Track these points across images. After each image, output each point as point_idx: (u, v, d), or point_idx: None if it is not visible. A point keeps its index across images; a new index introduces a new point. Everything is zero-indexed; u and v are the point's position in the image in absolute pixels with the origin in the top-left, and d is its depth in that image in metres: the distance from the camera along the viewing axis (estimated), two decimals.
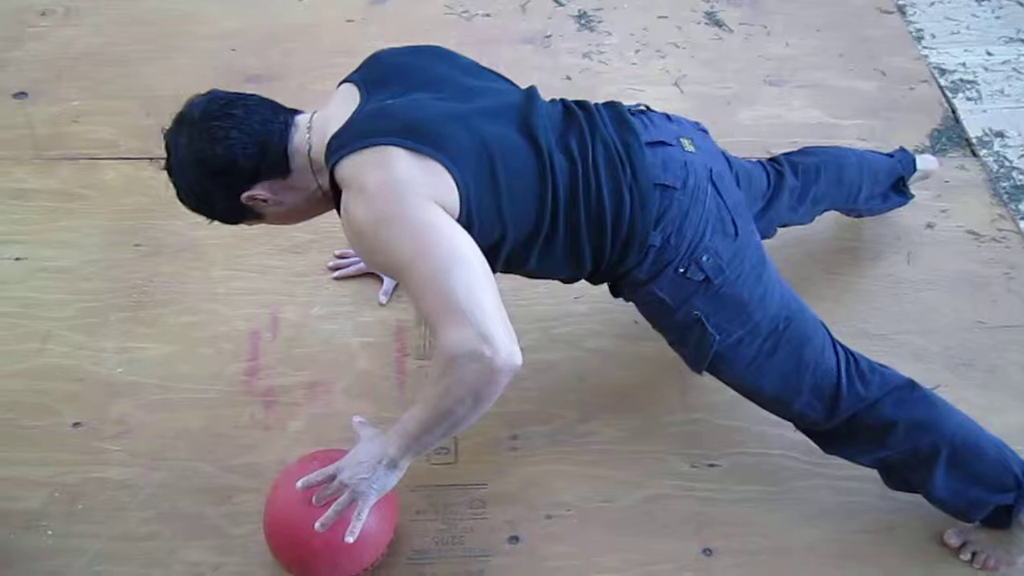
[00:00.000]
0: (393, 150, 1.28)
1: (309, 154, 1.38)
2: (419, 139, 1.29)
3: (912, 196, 2.03)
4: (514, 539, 1.61)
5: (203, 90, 2.13)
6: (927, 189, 2.14)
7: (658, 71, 2.51)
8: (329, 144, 1.34)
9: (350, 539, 1.33)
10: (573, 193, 1.39)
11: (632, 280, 1.48)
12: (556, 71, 2.49)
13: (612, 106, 1.52)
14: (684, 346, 1.52)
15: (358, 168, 1.29)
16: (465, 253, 1.27)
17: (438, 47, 1.55)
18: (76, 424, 1.72)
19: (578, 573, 1.58)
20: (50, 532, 1.58)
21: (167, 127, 1.41)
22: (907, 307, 1.98)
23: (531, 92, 1.48)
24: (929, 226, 2.14)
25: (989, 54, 2.62)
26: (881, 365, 1.54)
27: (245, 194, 1.39)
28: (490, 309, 1.23)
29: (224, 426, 1.73)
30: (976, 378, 1.86)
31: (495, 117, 1.39)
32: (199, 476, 1.67)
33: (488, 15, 2.65)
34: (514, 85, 1.53)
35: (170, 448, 1.70)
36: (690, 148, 1.48)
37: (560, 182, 1.38)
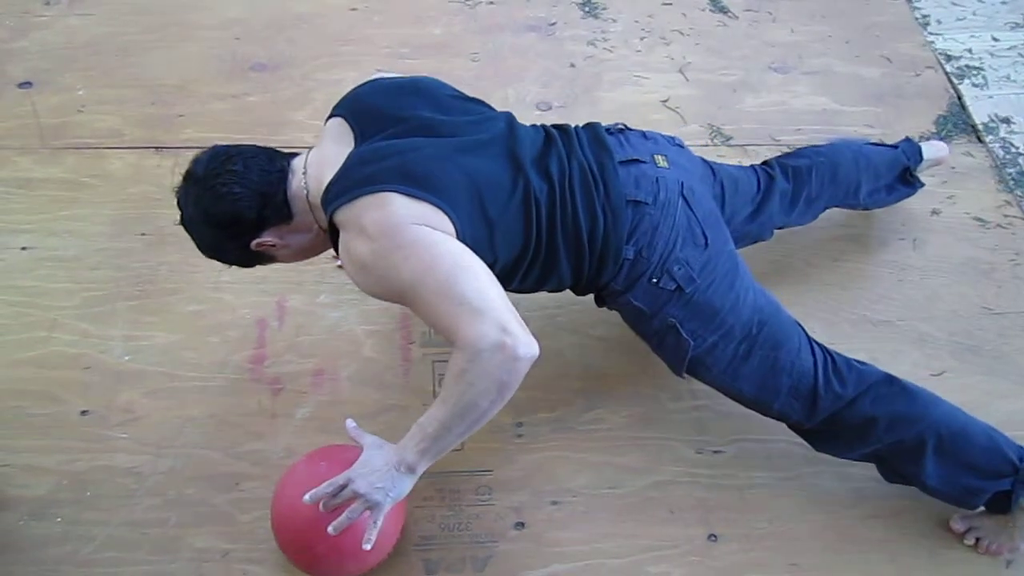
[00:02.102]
0: (390, 195, 1.34)
1: (307, 198, 1.45)
2: (414, 184, 1.35)
3: (921, 185, 2.02)
4: (520, 525, 1.62)
5: (207, 81, 2.15)
6: (933, 176, 2.13)
7: (663, 58, 2.50)
8: (327, 190, 1.40)
9: (367, 547, 1.34)
10: (552, 215, 1.47)
11: (610, 291, 1.55)
12: (560, 59, 2.48)
13: (590, 127, 1.60)
14: (663, 351, 1.59)
15: (356, 212, 1.35)
16: (468, 261, 1.34)
17: (425, 78, 1.59)
18: (83, 412, 1.73)
19: (584, 559, 1.58)
20: (59, 519, 1.59)
21: (177, 185, 1.48)
22: (912, 293, 1.98)
23: (511, 120, 1.54)
24: (935, 212, 2.13)
25: (995, 40, 2.61)
26: (860, 362, 1.57)
27: (254, 242, 1.46)
28: (503, 305, 1.30)
29: (231, 414, 1.74)
30: (981, 364, 1.86)
31: (482, 151, 1.45)
32: (206, 463, 1.67)
33: (492, 3, 2.64)
34: (496, 112, 1.57)
35: (177, 436, 1.71)
36: (663, 164, 1.55)
37: (542, 206, 1.46)
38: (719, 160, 2.19)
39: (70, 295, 1.90)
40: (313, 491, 1.34)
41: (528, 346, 1.28)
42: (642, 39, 2.56)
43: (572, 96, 2.38)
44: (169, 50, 2.44)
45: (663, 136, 1.65)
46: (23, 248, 1.98)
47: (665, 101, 2.38)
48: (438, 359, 1.82)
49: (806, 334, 1.57)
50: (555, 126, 1.59)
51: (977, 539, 1.59)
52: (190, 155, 2.12)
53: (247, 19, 2.53)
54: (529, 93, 2.38)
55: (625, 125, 1.64)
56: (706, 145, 2.26)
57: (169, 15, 2.53)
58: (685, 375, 1.59)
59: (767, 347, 1.53)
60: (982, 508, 1.58)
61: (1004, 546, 1.57)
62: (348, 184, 1.37)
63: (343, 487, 1.34)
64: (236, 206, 1.41)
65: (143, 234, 2.01)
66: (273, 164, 1.45)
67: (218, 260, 1.54)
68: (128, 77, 2.36)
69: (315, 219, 1.47)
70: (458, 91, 1.58)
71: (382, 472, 1.34)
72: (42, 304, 1.88)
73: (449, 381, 1.30)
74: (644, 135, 1.62)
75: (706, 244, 1.52)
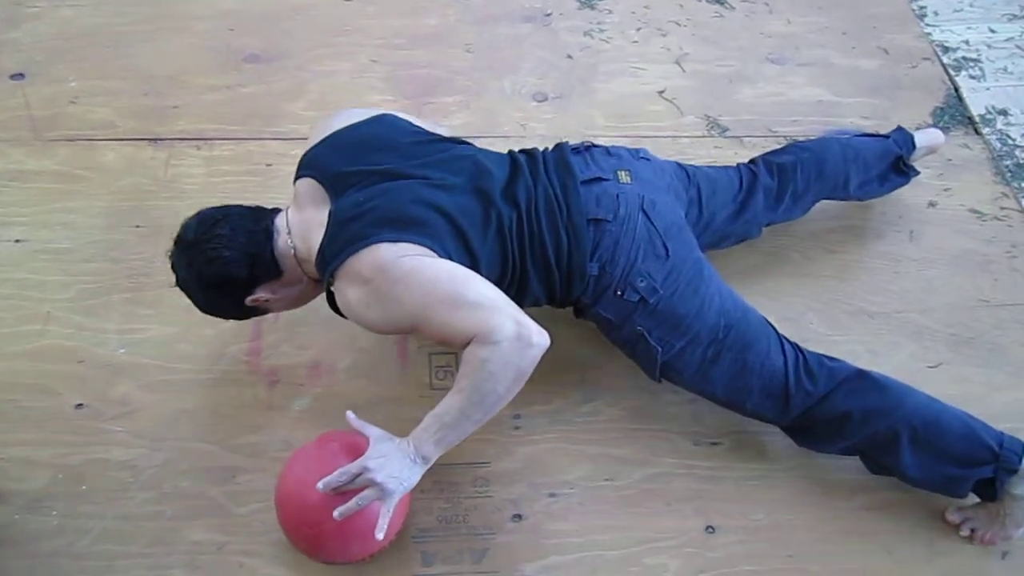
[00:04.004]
0: (380, 246, 1.40)
1: (295, 256, 1.52)
2: (399, 228, 1.42)
3: (916, 173, 2.02)
4: (517, 517, 1.62)
5: (201, 72, 2.14)
6: (929, 167, 2.13)
7: (659, 49, 2.49)
8: (320, 255, 1.46)
9: (380, 536, 1.36)
10: (521, 241, 1.54)
11: (581, 304, 1.63)
12: (556, 50, 2.47)
13: (557, 149, 1.66)
14: (636, 358, 1.65)
15: (348, 266, 1.41)
16: (464, 272, 1.42)
17: (388, 119, 1.63)
18: (78, 405, 1.72)
19: (581, 551, 1.58)
20: (54, 512, 1.59)
21: (169, 250, 1.53)
22: (908, 285, 1.98)
23: (474, 154, 1.60)
24: (931, 204, 2.13)
25: (992, 31, 2.60)
26: (831, 359, 1.60)
27: (248, 298, 1.53)
28: (510, 303, 1.39)
29: (227, 406, 1.74)
30: (977, 356, 1.86)
31: (452, 189, 1.51)
32: (202, 456, 1.67)
33: None
34: (458, 148, 1.61)
35: (172, 428, 1.70)
36: (625, 180, 1.61)
37: (513, 234, 1.53)
38: (715, 151, 2.21)
39: (64, 288, 1.89)
40: (326, 479, 1.36)
41: (541, 335, 1.37)
42: (638, 30, 2.55)
43: (568, 87, 2.37)
44: (162, 41, 2.42)
45: (627, 150, 1.70)
46: (16, 241, 1.97)
47: (662, 92, 2.37)
48: (434, 351, 1.82)
49: (777, 334, 1.61)
50: (523, 151, 1.66)
51: (972, 530, 1.60)
52: (184, 147, 2.16)
53: (241, 10, 2.51)
54: (525, 84, 2.37)
55: (591, 143, 1.70)
56: (703, 136, 2.26)
57: (162, 6, 2.51)
58: (661, 380, 1.63)
59: (735, 349, 1.57)
60: (977, 500, 1.59)
61: (997, 535, 1.58)
62: (338, 247, 1.43)
63: (357, 476, 1.36)
64: (227, 268, 1.47)
65: (137, 226, 1.99)
66: (258, 224, 1.51)
67: (216, 316, 1.61)
68: (121, 68, 2.34)
69: (304, 272, 1.53)
70: (419, 129, 1.63)
71: (398, 463, 1.37)
72: (36, 297, 1.87)
73: (466, 371, 1.35)
74: (608, 151, 1.67)
75: (667, 255, 1.56)
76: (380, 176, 1.50)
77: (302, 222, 1.51)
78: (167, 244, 1.92)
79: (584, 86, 2.38)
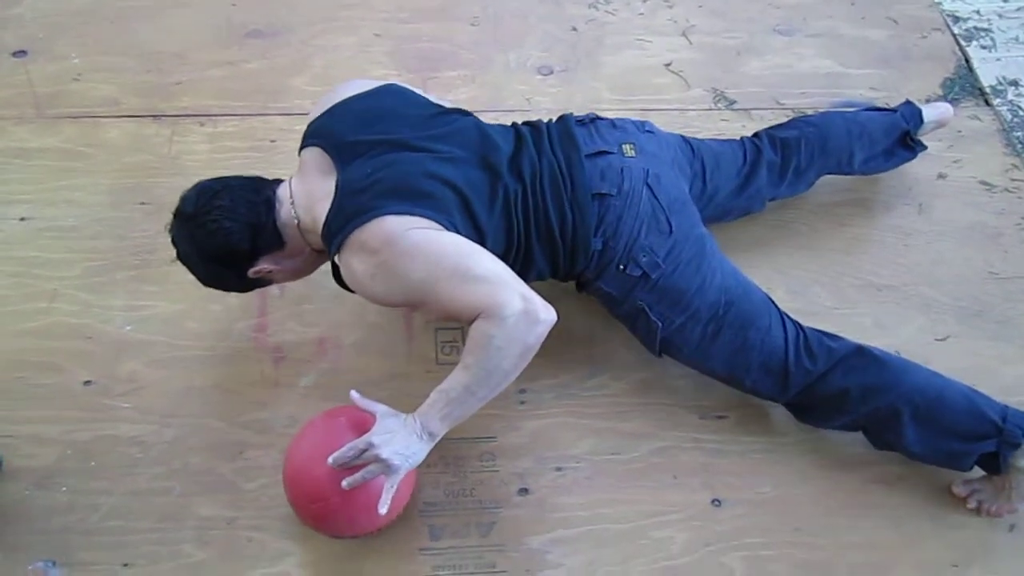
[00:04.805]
0: (387, 218, 1.39)
1: (298, 226, 1.50)
2: (407, 200, 1.41)
3: (923, 148, 1.99)
4: (524, 491, 1.62)
5: (204, 48, 2.12)
6: (939, 140, 2.11)
7: (666, 21, 2.46)
8: (327, 226, 1.44)
9: (383, 510, 1.36)
10: (526, 215, 1.53)
11: (584, 278, 1.62)
12: (562, 22, 2.44)
13: (561, 121, 1.64)
14: (636, 333, 1.66)
15: (355, 237, 1.40)
16: (471, 247, 1.41)
17: (395, 90, 1.61)
18: (86, 382, 1.73)
19: (587, 524, 1.59)
20: (64, 488, 1.60)
21: (169, 224, 1.51)
22: (918, 258, 1.96)
23: (480, 127, 1.58)
24: (941, 176, 2.11)
25: (1004, 1, 2.56)
26: (832, 337, 1.60)
27: (251, 270, 1.51)
28: (517, 278, 1.38)
29: (234, 383, 1.74)
30: (987, 329, 1.85)
31: (460, 162, 1.50)
32: (210, 432, 1.68)
33: None
34: (463, 119, 1.59)
35: (180, 405, 1.71)
36: (630, 153, 1.59)
37: (518, 207, 1.52)
38: (722, 124, 2.19)
39: (70, 265, 1.89)
40: (335, 455, 1.37)
41: (547, 311, 1.36)
42: (645, 2, 2.52)
43: (574, 60, 2.34)
44: (165, 17, 2.40)
45: (633, 122, 1.68)
46: (21, 219, 1.97)
47: (668, 65, 2.34)
48: (441, 327, 1.82)
49: (779, 312, 1.60)
50: (527, 123, 1.64)
51: (979, 502, 1.60)
52: (188, 123, 2.15)
53: None
54: (530, 58, 2.35)
55: (596, 115, 1.67)
56: (710, 109, 2.24)
57: None
58: (661, 355, 1.63)
59: (735, 326, 1.57)
60: (983, 473, 1.59)
61: (1003, 507, 1.58)
62: (345, 218, 1.41)
63: (364, 451, 1.36)
64: (228, 240, 1.46)
65: (142, 203, 1.99)
66: (259, 195, 1.49)
67: (219, 289, 1.60)
68: (124, 45, 2.33)
69: (307, 243, 1.52)
70: (426, 101, 1.61)
71: (404, 440, 1.37)
72: (42, 275, 1.87)
73: (472, 347, 1.35)
74: (613, 124, 1.66)
75: (671, 230, 1.56)
76: (388, 146, 1.48)
77: (307, 192, 1.50)
78: None
79: (590, 59, 2.35)
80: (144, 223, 1.95)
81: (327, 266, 1.89)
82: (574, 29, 2.43)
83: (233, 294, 1.77)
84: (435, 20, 2.42)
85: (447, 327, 1.81)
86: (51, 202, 1.99)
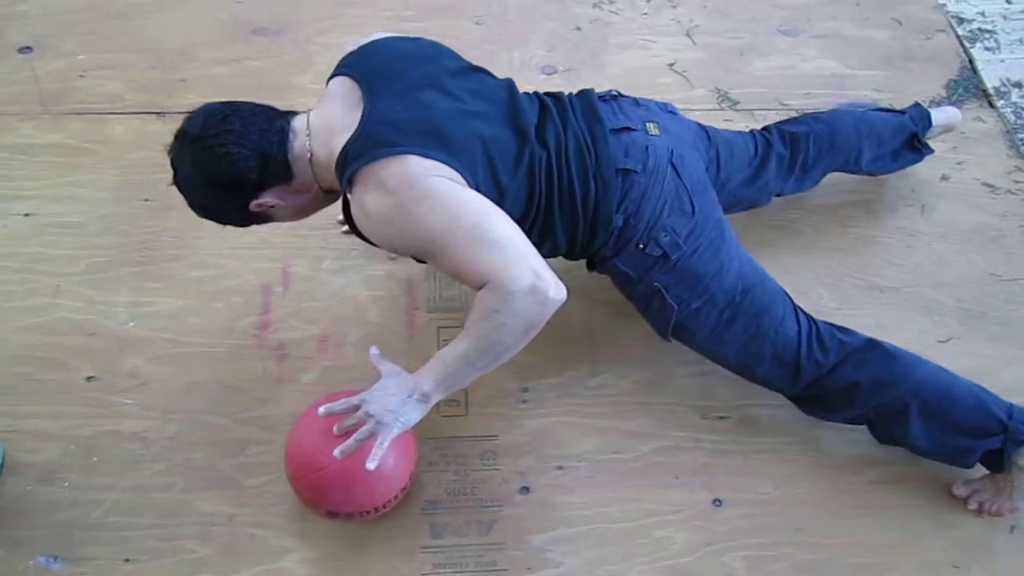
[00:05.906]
0: (410, 157, 1.33)
1: (311, 160, 1.42)
2: (433, 145, 1.35)
3: (930, 151, 1.99)
4: (525, 490, 1.63)
5: (209, 45, 2.12)
6: (943, 141, 2.10)
7: (669, 20, 2.46)
8: (344, 154, 1.37)
9: (371, 465, 1.33)
10: (550, 183, 1.48)
11: (601, 256, 1.58)
12: (566, 21, 2.44)
13: (583, 95, 1.60)
14: (649, 315, 1.62)
15: (373, 170, 1.33)
16: (492, 209, 1.35)
17: (429, 41, 1.57)
18: (89, 378, 1.73)
19: (588, 523, 1.59)
20: (67, 484, 1.61)
21: (169, 144, 1.44)
22: (920, 260, 1.96)
23: (512, 88, 1.54)
24: (944, 178, 2.11)
25: (1008, 2, 2.56)
26: (843, 331, 1.59)
27: (254, 202, 1.44)
28: (531, 250, 1.33)
29: (236, 379, 1.74)
30: (989, 331, 1.85)
31: (490, 118, 1.45)
32: (212, 429, 1.68)
33: None
34: (496, 80, 1.57)
35: (183, 401, 1.71)
36: (654, 132, 1.56)
37: (542, 174, 1.47)
38: (725, 124, 2.18)
39: (74, 261, 1.89)
40: (328, 405, 1.36)
41: (558, 289, 1.30)
42: (648, 1, 2.52)
43: (578, 60, 2.35)
44: (170, 14, 2.40)
45: (655, 103, 1.66)
46: (26, 215, 1.97)
47: (672, 65, 2.34)
48: (443, 324, 1.82)
49: (792, 303, 1.59)
50: (548, 94, 1.60)
51: (980, 503, 1.60)
52: None
53: None
54: (534, 57, 2.35)
55: (618, 92, 1.64)
56: (713, 109, 2.24)
57: None
58: (671, 339, 1.62)
59: (750, 314, 1.55)
60: (985, 472, 1.59)
61: (1004, 506, 1.58)
62: (366, 146, 1.35)
63: (356, 407, 1.36)
64: (236, 167, 1.38)
65: (146, 200, 1.99)
66: (272, 124, 1.42)
67: (214, 220, 1.51)
68: (129, 41, 2.33)
69: (316, 179, 1.45)
70: (458, 57, 1.57)
71: (397, 397, 1.36)
72: (46, 270, 1.88)
73: (476, 318, 1.31)
74: (636, 102, 1.63)
75: (693, 212, 1.53)
76: (423, 88, 1.42)
77: (326, 124, 1.42)
78: (177, 218, 1.94)
79: (594, 59, 2.35)
80: (148, 220, 1.96)
81: (331, 264, 1.90)
82: (578, 28, 2.44)
83: (234, 294, 1.78)
84: (440, 18, 2.42)
85: (450, 325, 1.82)
86: (56, 198, 2.00)
